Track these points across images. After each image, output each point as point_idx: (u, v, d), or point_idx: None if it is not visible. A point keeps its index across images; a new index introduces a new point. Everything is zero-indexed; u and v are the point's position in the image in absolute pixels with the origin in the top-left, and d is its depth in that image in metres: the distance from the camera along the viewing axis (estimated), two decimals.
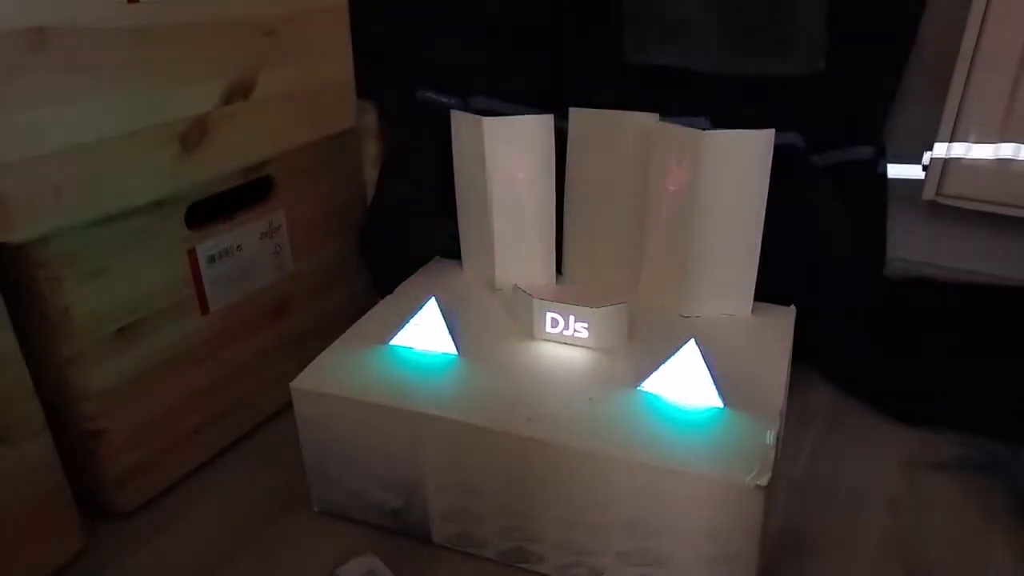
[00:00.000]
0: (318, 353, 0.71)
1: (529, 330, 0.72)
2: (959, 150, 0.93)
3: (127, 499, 0.72)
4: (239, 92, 0.72)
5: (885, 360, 0.90)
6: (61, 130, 0.58)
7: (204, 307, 0.75)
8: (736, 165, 0.71)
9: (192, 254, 0.73)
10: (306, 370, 0.68)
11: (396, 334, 0.72)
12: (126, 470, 0.71)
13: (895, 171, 1.02)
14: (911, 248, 1.09)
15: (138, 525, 0.72)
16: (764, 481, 0.54)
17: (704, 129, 0.70)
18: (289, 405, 0.68)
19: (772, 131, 0.70)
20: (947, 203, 0.96)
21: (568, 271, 0.85)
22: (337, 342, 0.73)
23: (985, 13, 0.88)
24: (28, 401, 0.61)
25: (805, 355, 0.79)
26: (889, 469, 0.77)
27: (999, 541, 0.69)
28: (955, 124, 0.92)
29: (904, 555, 0.67)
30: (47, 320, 0.63)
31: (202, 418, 0.78)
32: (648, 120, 0.76)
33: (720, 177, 0.71)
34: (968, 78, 0.90)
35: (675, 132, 0.73)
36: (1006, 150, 0.91)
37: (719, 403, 0.63)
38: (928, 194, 0.96)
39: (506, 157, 0.77)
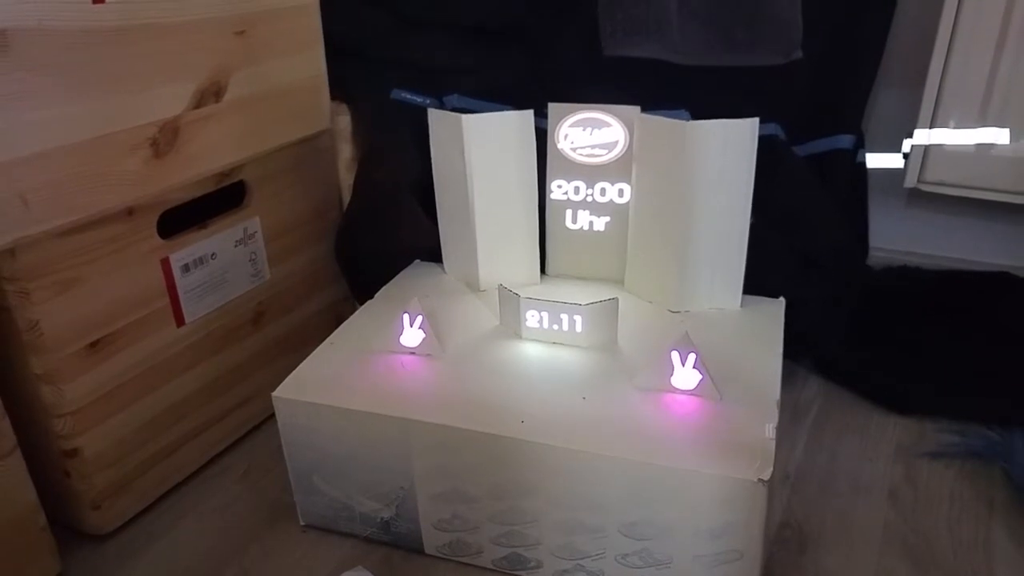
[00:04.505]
0: (299, 362, 0.68)
1: (517, 330, 0.71)
2: (939, 136, 0.92)
3: (105, 520, 0.70)
4: (210, 94, 0.70)
5: (874, 350, 0.90)
6: (26, 135, 0.56)
7: (180, 318, 0.73)
8: (721, 154, 0.69)
9: (166, 263, 0.71)
10: (288, 379, 0.66)
11: (379, 339, 0.70)
12: (103, 490, 0.68)
13: (874, 160, 1.01)
14: (892, 237, 1.10)
15: (117, 546, 0.69)
16: (767, 475, 0.53)
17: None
18: (271, 417, 0.66)
19: (756, 119, 0.69)
20: (929, 190, 0.96)
21: (553, 269, 0.84)
22: (319, 349, 0.71)
23: None
24: None
25: (793, 347, 0.78)
26: (885, 459, 0.77)
27: (999, 526, 0.68)
28: (935, 110, 0.92)
29: (906, 544, 0.67)
30: (16, 335, 0.61)
31: (181, 434, 0.75)
32: (629, 113, 0.75)
33: (705, 168, 0.70)
34: (946, 64, 0.90)
35: (658, 124, 0.72)
36: (986, 134, 0.91)
37: (715, 397, 0.61)
38: (910, 181, 0.96)
39: (487, 154, 0.75)
